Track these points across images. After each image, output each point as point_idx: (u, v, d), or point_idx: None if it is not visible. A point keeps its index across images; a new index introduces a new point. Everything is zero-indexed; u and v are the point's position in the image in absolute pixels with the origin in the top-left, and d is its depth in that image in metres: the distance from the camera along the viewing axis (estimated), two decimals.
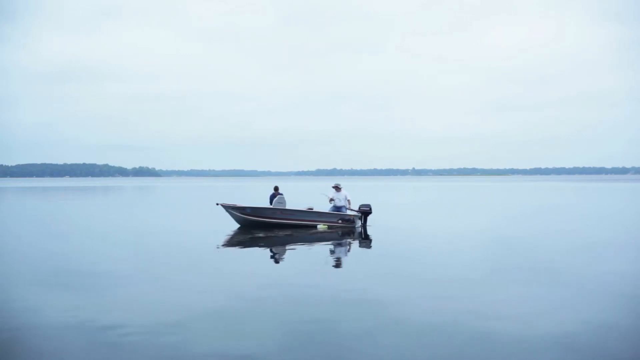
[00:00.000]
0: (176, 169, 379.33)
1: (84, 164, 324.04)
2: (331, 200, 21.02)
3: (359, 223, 20.80)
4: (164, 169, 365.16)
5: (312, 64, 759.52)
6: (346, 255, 14.75)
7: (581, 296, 9.30)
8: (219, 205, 21.28)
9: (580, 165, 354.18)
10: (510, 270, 11.84)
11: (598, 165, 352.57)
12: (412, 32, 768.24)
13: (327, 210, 20.91)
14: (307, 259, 13.84)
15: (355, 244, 16.76)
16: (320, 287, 10.13)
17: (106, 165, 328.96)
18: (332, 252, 15.15)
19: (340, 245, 16.57)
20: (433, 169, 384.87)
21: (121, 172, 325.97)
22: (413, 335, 7.23)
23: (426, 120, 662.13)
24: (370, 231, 19.63)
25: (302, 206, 22.38)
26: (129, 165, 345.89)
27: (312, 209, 21.11)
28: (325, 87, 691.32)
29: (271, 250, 15.50)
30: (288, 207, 21.07)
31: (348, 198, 21.12)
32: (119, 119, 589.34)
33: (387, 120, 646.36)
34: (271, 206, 20.75)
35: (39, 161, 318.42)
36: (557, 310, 8.34)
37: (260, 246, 16.15)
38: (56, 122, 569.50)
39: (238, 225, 20.74)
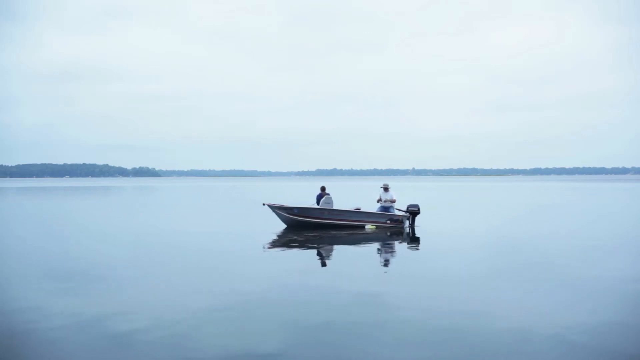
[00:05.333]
0: (176, 169, 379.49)
1: (84, 164, 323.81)
2: (379, 200, 21.02)
3: (407, 223, 20.67)
4: (164, 169, 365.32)
5: (312, 64, 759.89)
6: (388, 256, 14.47)
7: (583, 295, 9.33)
8: (266, 206, 21.26)
9: (580, 165, 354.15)
10: (512, 269, 11.88)
11: (598, 165, 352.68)
12: (412, 33, 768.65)
13: (374, 211, 20.86)
14: (347, 260, 13.67)
15: (403, 244, 16.45)
16: (345, 287, 10.09)
17: (106, 166, 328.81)
18: (377, 253, 15.01)
19: (386, 246, 16.29)
20: (433, 169, 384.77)
21: (121, 172, 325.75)
22: (418, 334, 7.27)
23: (426, 120, 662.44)
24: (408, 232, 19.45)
25: (349, 206, 22.30)
26: (129, 165, 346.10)
27: (359, 209, 21.02)
28: (325, 87, 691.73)
29: (317, 251, 15.26)
30: (335, 207, 20.99)
31: (394, 198, 21.04)
32: (119, 119, 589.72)
33: (387, 120, 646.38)
34: (318, 206, 20.67)
35: (39, 161, 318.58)
36: (559, 309, 8.38)
37: (304, 247, 15.87)
38: (56, 122, 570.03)
39: (285, 226, 20.60)
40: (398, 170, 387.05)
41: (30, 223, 24.76)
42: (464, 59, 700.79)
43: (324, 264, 13.36)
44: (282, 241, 17.16)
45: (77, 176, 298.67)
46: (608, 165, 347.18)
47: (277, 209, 20.81)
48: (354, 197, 44.24)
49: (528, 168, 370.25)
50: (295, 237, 17.83)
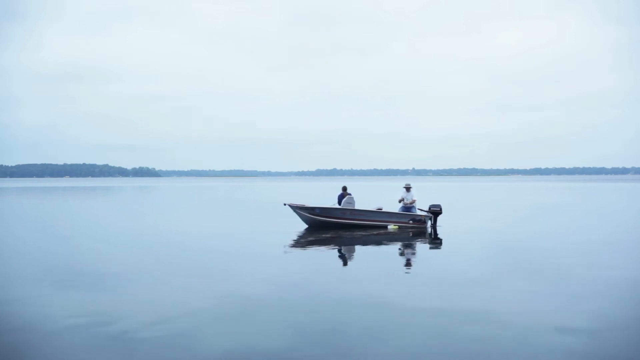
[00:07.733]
0: (176, 169, 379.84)
1: (84, 164, 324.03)
2: (401, 200, 20.97)
3: (429, 223, 20.55)
4: (164, 169, 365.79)
5: (312, 64, 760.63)
6: (411, 257, 14.32)
7: (584, 295, 9.31)
8: (287, 206, 21.20)
9: (580, 166, 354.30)
10: (514, 269, 11.84)
11: (598, 165, 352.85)
12: (413, 34, 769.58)
13: (397, 211, 20.78)
14: (368, 260, 13.56)
15: (425, 245, 16.32)
16: (363, 288, 10.02)
17: (106, 166, 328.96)
18: (399, 253, 14.89)
19: (409, 246, 16.08)
20: (433, 169, 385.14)
21: (121, 172, 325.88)
22: (420, 334, 7.24)
23: (426, 120, 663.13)
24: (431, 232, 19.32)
25: (371, 206, 22.19)
26: (129, 165, 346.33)
27: (381, 209, 20.93)
28: (326, 87, 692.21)
29: (338, 252, 15.09)
30: (357, 207, 20.89)
31: (414, 198, 21.00)
32: (119, 119, 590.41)
33: (387, 120, 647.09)
34: (340, 206, 20.60)
35: (39, 161, 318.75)
36: (561, 309, 8.36)
37: (325, 247, 15.70)
38: (57, 122, 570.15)
39: (306, 226, 20.49)
40: (398, 170, 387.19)
41: (30, 223, 24.73)
42: (464, 59, 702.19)
43: (345, 264, 13.29)
44: (304, 241, 17.08)
45: (77, 176, 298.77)
46: (608, 165, 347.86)
47: (298, 209, 20.73)
48: (363, 197, 44.15)
49: (528, 168, 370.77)
50: (316, 237, 17.77)
